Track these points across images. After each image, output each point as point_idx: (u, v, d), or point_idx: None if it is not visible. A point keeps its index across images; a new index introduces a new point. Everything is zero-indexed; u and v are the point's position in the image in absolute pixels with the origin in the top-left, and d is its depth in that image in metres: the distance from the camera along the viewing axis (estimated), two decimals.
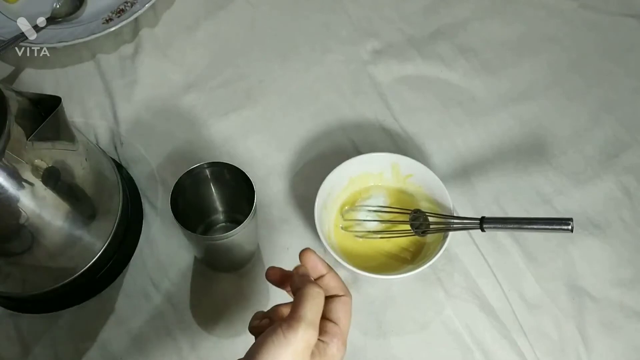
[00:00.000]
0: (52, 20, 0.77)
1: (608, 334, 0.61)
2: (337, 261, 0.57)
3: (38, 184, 0.51)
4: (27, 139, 0.49)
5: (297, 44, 0.79)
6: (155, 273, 0.64)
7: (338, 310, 0.43)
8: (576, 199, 0.68)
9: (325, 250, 0.58)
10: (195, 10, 0.82)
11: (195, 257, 0.65)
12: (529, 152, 0.71)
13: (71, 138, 0.55)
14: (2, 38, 0.75)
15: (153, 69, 0.77)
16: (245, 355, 0.40)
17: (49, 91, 0.74)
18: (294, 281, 0.43)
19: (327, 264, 0.45)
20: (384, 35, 0.79)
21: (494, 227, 0.55)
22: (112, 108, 0.74)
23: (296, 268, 0.45)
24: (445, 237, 0.58)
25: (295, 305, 0.41)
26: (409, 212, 0.61)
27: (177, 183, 0.55)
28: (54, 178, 0.53)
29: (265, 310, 0.46)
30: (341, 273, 0.60)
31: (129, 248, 0.65)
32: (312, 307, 0.40)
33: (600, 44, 0.79)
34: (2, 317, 0.62)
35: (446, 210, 0.60)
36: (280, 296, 0.63)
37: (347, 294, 0.44)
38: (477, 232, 0.66)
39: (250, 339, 0.61)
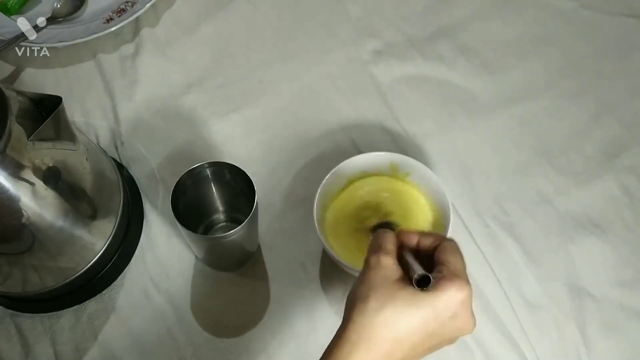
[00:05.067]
0: (52, 20, 0.77)
1: (608, 333, 0.61)
2: (335, 260, 0.57)
3: (39, 183, 0.51)
4: (27, 139, 0.49)
5: (298, 44, 0.79)
6: (155, 273, 0.64)
7: (439, 253, 0.45)
8: (576, 199, 0.68)
9: (324, 249, 0.59)
10: (195, 10, 0.82)
11: (195, 256, 0.65)
12: (529, 151, 0.71)
13: (72, 138, 0.55)
14: (2, 38, 0.75)
15: (154, 69, 0.77)
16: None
17: (50, 91, 0.73)
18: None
19: (419, 233, 0.48)
20: (384, 35, 0.79)
21: None
22: (113, 108, 0.74)
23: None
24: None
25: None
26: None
27: (177, 183, 0.55)
28: (55, 178, 0.53)
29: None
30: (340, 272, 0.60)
31: (129, 248, 0.65)
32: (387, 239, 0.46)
33: (600, 44, 0.79)
34: (3, 317, 0.62)
35: (444, 209, 0.60)
36: (280, 296, 0.63)
37: (445, 240, 0.47)
38: (476, 232, 0.66)
39: (250, 340, 0.61)
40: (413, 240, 0.48)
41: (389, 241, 0.46)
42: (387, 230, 0.48)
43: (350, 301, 0.44)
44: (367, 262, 0.45)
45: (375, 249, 0.46)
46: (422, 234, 0.48)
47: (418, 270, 0.42)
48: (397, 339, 0.41)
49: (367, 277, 0.44)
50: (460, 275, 0.43)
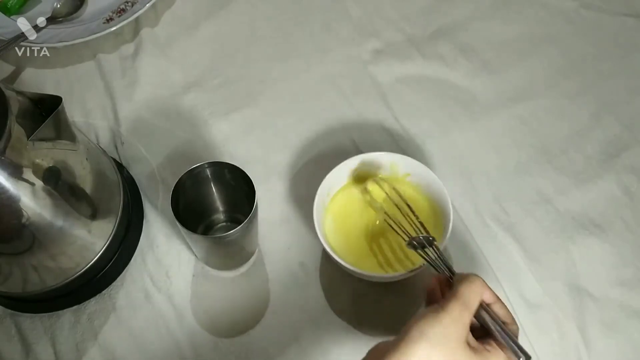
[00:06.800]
0: (52, 20, 0.77)
1: (608, 333, 0.61)
2: (335, 260, 0.57)
3: (39, 183, 0.51)
4: (28, 139, 0.49)
5: (298, 44, 0.79)
6: (155, 273, 0.64)
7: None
8: (577, 199, 0.68)
9: (324, 249, 0.59)
10: (196, 10, 0.82)
11: (195, 256, 0.65)
12: (530, 151, 0.71)
13: (72, 138, 0.56)
14: (2, 38, 0.75)
15: (154, 69, 0.77)
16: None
17: (50, 91, 0.73)
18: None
19: (495, 295, 0.48)
20: (384, 34, 0.79)
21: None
22: (113, 108, 0.74)
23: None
24: (444, 237, 0.58)
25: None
26: (418, 234, 0.57)
27: (177, 183, 0.55)
28: (55, 178, 0.53)
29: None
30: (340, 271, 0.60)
31: (129, 248, 0.65)
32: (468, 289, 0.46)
33: (600, 44, 0.79)
34: (3, 317, 0.63)
35: (445, 208, 0.60)
36: (280, 296, 0.63)
37: (514, 323, 0.48)
38: (476, 232, 0.66)
39: (250, 339, 0.61)
40: (487, 299, 0.48)
41: (477, 299, 0.46)
42: (481, 284, 0.47)
43: (411, 328, 0.44)
44: (447, 309, 0.45)
45: (463, 302, 0.45)
46: (499, 303, 0.48)
47: (518, 347, 0.45)
48: None
49: (444, 322, 0.44)
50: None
